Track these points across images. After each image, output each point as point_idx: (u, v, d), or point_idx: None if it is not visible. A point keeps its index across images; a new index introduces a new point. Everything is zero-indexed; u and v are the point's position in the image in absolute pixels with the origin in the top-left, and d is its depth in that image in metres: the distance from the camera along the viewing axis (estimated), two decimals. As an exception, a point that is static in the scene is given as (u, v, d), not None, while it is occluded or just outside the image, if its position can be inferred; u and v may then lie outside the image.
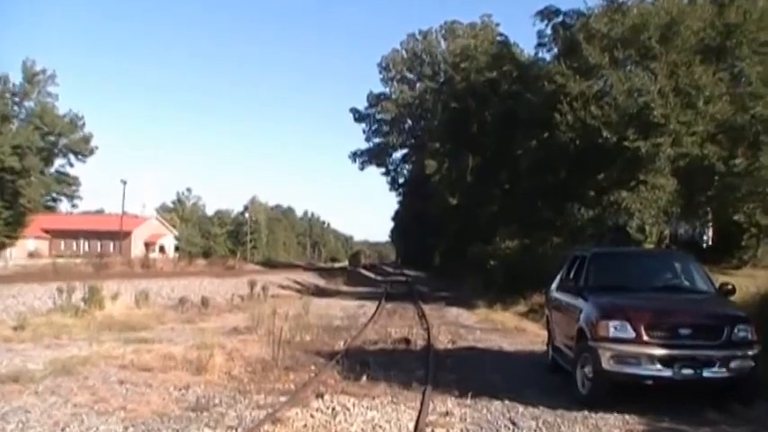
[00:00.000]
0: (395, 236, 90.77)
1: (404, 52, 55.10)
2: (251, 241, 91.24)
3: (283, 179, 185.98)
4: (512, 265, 20.15)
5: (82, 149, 48.34)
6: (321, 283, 33.96)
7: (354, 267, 60.80)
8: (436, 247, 45.05)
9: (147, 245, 63.18)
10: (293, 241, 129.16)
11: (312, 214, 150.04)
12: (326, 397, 6.22)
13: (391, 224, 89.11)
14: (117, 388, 6.51)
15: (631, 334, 5.79)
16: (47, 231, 59.21)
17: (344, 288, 30.75)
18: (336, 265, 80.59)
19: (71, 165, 48.66)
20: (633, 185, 17.62)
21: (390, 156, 59.19)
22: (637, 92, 17.23)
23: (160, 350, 8.55)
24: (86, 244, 61.17)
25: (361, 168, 58.89)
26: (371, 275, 52.74)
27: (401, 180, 60.41)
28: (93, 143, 48.45)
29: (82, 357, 7.89)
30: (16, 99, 44.21)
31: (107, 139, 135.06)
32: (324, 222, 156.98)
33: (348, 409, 5.79)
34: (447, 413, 5.78)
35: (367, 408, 5.87)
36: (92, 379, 6.84)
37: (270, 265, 53.50)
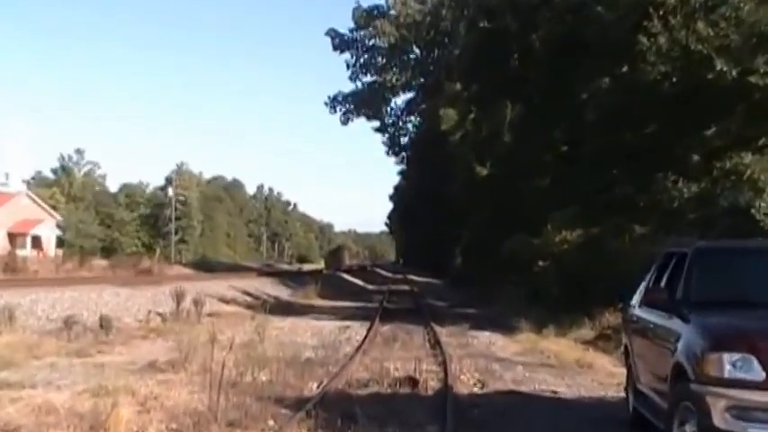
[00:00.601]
0: (394, 224, 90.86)
1: (409, -58, 54.81)
2: (177, 232, 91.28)
3: (226, 140, 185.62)
4: (571, 268, 20.44)
5: None
6: (284, 294, 34.51)
7: (334, 271, 61.79)
8: (456, 241, 45.50)
9: (13, 236, 63.12)
10: (242, 231, 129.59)
11: (270, 191, 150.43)
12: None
13: (389, 207, 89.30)
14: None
15: (759, 374, 5.77)
16: None
17: (319, 302, 31.19)
18: (307, 267, 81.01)
19: None
20: (762, 145, 17.68)
21: (388, 103, 59.42)
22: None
23: (32, 399, 8.51)
24: None
25: (345, 122, 59.14)
26: (360, 282, 53.35)
27: (404, 140, 60.61)
28: None
29: None
30: None
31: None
32: (288, 203, 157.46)
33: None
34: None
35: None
36: None
37: (206, 267, 54.16)
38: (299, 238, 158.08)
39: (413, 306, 29.97)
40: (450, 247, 48.19)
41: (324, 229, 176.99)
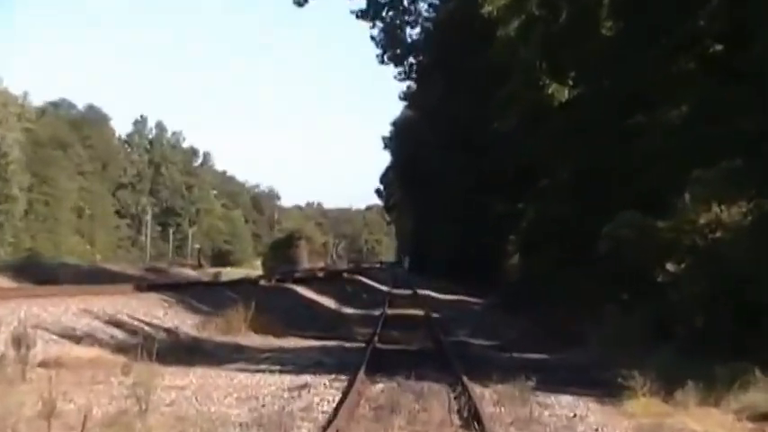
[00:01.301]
0: (393, 193, 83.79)
1: None
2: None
3: (75, 35, 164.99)
4: (730, 275, 18.99)
5: None
6: (186, 324, 29.89)
7: (281, 280, 52.55)
8: (511, 225, 40.88)
9: None
10: (105, 206, 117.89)
11: (160, 129, 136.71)
12: None
13: (383, 162, 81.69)
14: None
15: None
16: None
17: (252, 340, 27.24)
18: (230, 272, 74.65)
19: None
20: None
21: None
22: None
23: None
24: None
25: (301, 1, 48.57)
26: (329, 303, 48.14)
27: (412, 33, 51.22)
28: None
29: None
30: None
31: None
32: (195, 154, 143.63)
33: None
34: None
35: None
36: None
37: (38, 273, 45.81)
38: (215, 220, 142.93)
39: (429, 346, 25.50)
40: (499, 235, 42.98)
41: (262, 203, 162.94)
